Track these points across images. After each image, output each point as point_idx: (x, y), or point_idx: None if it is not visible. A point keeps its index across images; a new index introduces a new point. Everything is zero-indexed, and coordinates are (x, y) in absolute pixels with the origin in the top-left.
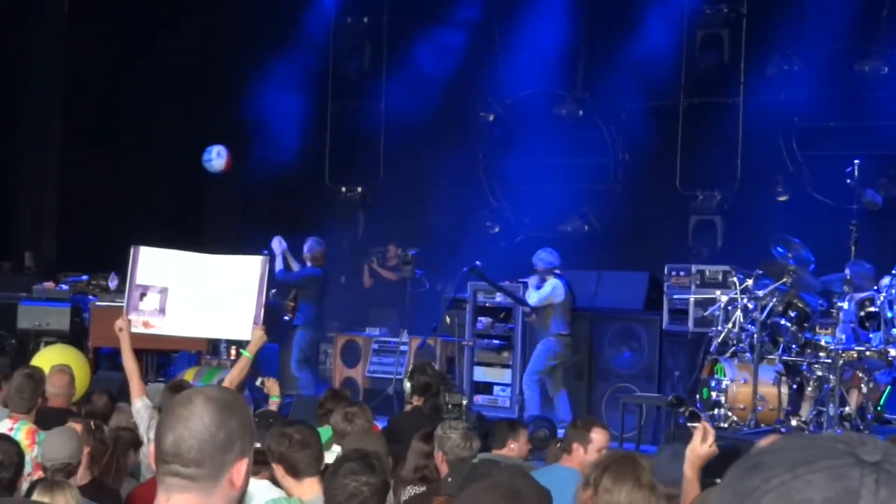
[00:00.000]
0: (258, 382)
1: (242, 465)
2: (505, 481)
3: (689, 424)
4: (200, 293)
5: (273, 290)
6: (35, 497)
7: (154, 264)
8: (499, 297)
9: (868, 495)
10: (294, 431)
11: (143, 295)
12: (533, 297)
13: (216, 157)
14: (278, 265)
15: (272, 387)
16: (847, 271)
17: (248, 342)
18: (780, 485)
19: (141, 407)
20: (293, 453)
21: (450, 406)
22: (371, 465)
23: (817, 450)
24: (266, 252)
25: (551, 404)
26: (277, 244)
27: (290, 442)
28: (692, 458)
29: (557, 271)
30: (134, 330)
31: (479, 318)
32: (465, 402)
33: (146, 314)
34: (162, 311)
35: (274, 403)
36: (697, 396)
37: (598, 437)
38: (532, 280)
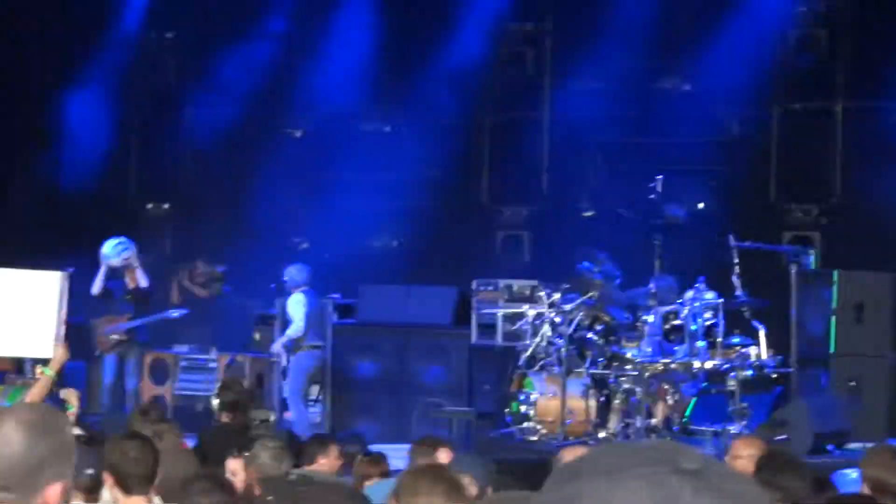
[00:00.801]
0: (62, 395)
1: (57, 488)
2: None
3: None
4: None
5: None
6: None
7: None
8: None
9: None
10: (132, 446)
11: None
12: (295, 328)
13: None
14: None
15: (69, 396)
16: (652, 285)
17: (49, 360)
18: (598, 492)
19: None
20: (127, 467)
21: (257, 422)
22: (221, 483)
23: (636, 457)
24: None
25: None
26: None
27: (126, 455)
28: None
29: (305, 287)
30: None
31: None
32: (272, 418)
33: None
34: None
35: (71, 414)
36: (507, 410)
37: (444, 456)
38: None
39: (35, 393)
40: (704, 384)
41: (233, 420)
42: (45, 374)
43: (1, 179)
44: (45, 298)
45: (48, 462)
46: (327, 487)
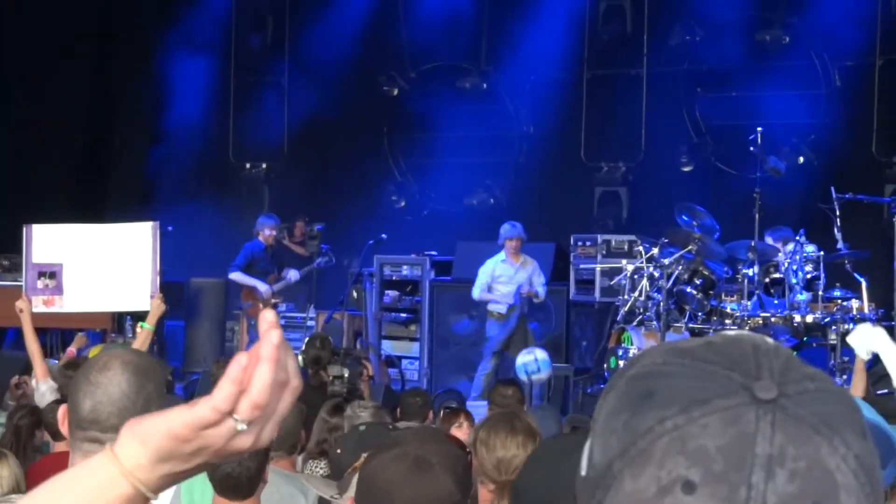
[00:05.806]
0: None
1: None
2: (413, 449)
3: None
4: (95, 266)
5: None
6: None
7: (48, 241)
8: (405, 271)
9: (763, 442)
10: None
11: (40, 274)
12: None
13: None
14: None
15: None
16: (768, 238)
17: (147, 314)
18: (675, 428)
19: (45, 389)
20: None
21: (332, 378)
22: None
23: (711, 382)
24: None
25: None
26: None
27: None
28: None
29: None
30: (35, 310)
31: (386, 292)
32: (346, 374)
33: (46, 292)
34: (60, 288)
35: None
36: (605, 365)
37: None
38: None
39: (136, 347)
40: (805, 338)
41: (313, 377)
42: (145, 328)
43: (101, 127)
44: (138, 251)
45: (153, 402)
46: (417, 436)
